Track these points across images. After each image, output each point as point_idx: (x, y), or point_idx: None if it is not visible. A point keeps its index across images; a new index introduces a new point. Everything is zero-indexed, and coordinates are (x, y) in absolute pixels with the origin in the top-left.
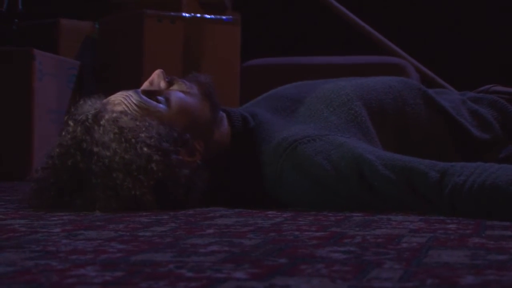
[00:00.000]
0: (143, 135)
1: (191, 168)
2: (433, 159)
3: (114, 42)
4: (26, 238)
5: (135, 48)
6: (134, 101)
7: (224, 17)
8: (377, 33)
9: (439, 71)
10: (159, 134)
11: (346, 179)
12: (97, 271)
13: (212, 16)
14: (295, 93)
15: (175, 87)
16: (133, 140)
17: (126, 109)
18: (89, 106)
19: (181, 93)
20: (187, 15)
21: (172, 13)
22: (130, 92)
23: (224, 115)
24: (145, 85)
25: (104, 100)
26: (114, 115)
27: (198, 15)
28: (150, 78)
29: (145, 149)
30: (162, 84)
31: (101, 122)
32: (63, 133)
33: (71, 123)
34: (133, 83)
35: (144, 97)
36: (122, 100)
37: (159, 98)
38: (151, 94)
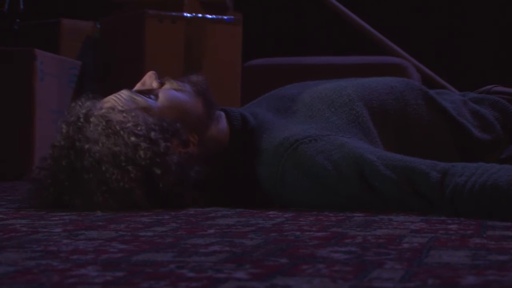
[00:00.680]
0: (130, 124)
1: (182, 157)
2: (434, 160)
3: (115, 42)
4: (27, 238)
5: (136, 48)
6: (124, 97)
7: (225, 17)
8: (378, 33)
9: (440, 72)
10: (146, 123)
11: (347, 179)
12: (98, 271)
13: (214, 16)
14: (296, 93)
15: (167, 86)
16: (121, 131)
17: (116, 104)
18: (80, 107)
19: (172, 90)
20: (188, 15)
21: (174, 13)
22: (122, 91)
23: (223, 114)
24: (137, 86)
25: (96, 101)
26: (103, 111)
27: (200, 15)
28: (142, 80)
29: (132, 138)
30: (154, 84)
31: (91, 119)
32: (57, 136)
33: (63, 125)
34: (134, 83)
35: (134, 93)
36: (113, 98)
37: (150, 96)
38: (143, 93)
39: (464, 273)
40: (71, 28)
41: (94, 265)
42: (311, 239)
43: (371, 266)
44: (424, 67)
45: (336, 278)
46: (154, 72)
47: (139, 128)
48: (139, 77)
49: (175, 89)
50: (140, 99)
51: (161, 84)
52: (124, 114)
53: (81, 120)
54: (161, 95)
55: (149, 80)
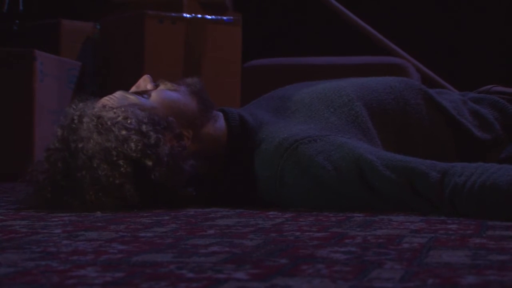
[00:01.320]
0: (120, 119)
1: (175, 149)
2: (434, 159)
3: (115, 43)
4: (27, 239)
5: (136, 48)
6: (117, 96)
7: (225, 17)
8: (378, 33)
9: (440, 72)
10: (137, 117)
11: (346, 179)
12: (97, 272)
13: (213, 17)
14: (295, 94)
15: (161, 87)
16: (112, 127)
17: (107, 103)
18: (73, 109)
19: (166, 90)
20: (188, 15)
21: (173, 14)
22: (116, 92)
23: (221, 114)
24: (132, 89)
25: (89, 102)
26: (95, 109)
27: (199, 15)
28: (137, 83)
29: (123, 131)
30: (149, 87)
31: (83, 120)
32: (52, 139)
33: (58, 129)
34: (134, 84)
35: (127, 92)
36: (106, 98)
37: (144, 95)
38: (136, 93)
39: (464, 273)
40: (71, 28)
41: (94, 266)
42: (311, 240)
43: (371, 266)
44: (424, 67)
45: (336, 278)
46: (148, 75)
47: (129, 122)
48: (139, 77)
49: (169, 90)
50: (133, 97)
51: (156, 86)
52: (115, 110)
53: (75, 121)
54: (153, 94)
55: (144, 83)
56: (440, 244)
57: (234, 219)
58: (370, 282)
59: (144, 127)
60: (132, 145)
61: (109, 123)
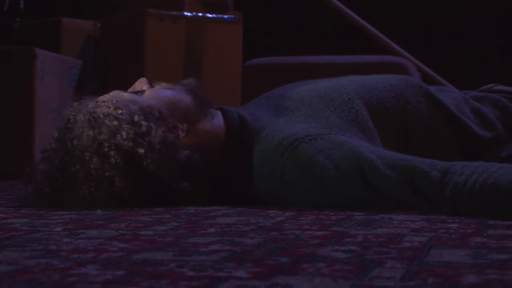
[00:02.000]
0: (111, 110)
1: (168, 138)
2: (434, 158)
3: (116, 41)
4: (28, 237)
5: (137, 47)
6: (111, 94)
7: (226, 16)
8: (378, 32)
9: (441, 70)
10: (129, 109)
11: (347, 178)
12: (98, 270)
13: (214, 16)
14: (295, 92)
15: (156, 87)
16: (104, 120)
17: (101, 100)
18: (69, 111)
19: (160, 88)
20: (189, 14)
21: (174, 13)
22: (111, 92)
23: (219, 112)
24: (129, 91)
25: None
26: (89, 107)
27: (200, 14)
28: (133, 85)
29: (115, 122)
30: (144, 87)
31: (78, 118)
32: (49, 141)
33: (56, 131)
34: (135, 82)
35: (122, 91)
36: (100, 97)
37: (138, 94)
38: (132, 93)
39: (464, 272)
40: (71, 27)
41: (94, 264)
42: (311, 238)
43: (371, 265)
44: (424, 66)
45: (337, 277)
46: (144, 78)
47: (120, 112)
48: (139, 76)
49: (164, 88)
50: (126, 94)
51: (152, 87)
52: (107, 104)
53: (71, 121)
54: (148, 91)
55: (139, 85)
56: (441, 243)
57: (234, 218)
58: (370, 281)
59: (136, 117)
60: (124, 133)
61: (101, 116)
